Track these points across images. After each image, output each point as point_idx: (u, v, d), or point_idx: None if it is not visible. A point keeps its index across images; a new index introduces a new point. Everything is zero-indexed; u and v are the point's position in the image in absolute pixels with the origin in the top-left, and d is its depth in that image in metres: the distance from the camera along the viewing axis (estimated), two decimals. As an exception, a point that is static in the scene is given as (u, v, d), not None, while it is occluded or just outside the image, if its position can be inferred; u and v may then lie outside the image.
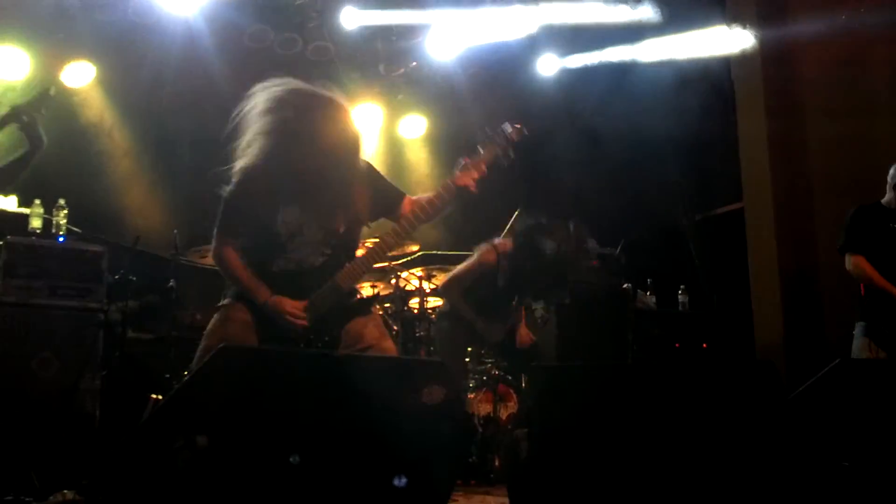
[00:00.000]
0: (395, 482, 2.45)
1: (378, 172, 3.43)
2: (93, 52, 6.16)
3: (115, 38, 6.14)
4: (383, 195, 3.36)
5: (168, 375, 4.89)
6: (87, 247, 4.92)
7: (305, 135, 3.09)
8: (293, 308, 3.10)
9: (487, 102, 7.50)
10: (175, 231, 5.50)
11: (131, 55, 6.24)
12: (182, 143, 5.99)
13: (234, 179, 3.18)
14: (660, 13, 7.20)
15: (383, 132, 7.82)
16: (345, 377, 2.55)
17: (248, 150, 3.14)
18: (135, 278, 5.09)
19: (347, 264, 3.23)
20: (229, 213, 3.19)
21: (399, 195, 3.38)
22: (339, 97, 3.22)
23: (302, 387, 2.44)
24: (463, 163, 3.27)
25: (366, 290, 5.53)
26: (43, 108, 3.57)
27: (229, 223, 3.20)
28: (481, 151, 3.29)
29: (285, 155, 3.10)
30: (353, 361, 2.84)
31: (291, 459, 2.27)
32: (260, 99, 3.15)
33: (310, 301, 3.13)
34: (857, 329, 4.79)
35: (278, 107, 3.11)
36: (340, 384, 2.51)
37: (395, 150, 7.95)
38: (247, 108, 3.17)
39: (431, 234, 5.03)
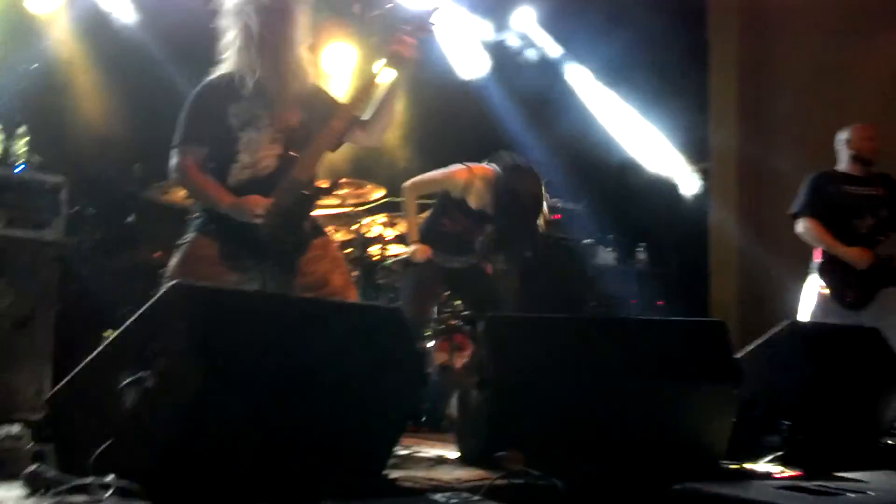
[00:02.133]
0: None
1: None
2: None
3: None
4: (330, 102, 3.43)
5: (125, 311, 4.86)
6: (47, 177, 4.83)
7: (261, 35, 3.20)
8: (253, 200, 3.13)
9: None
10: (136, 165, 5.44)
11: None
12: (147, 77, 5.87)
13: (194, 91, 3.27)
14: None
15: (356, 74, 7.67)
16: (303, 320, 2.55)
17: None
18: (94, 211, 5.03)
19: (301, 155, 3.25)
20: (188, 122, 3.23)
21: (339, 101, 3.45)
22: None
23: (259, 329, 2.41)
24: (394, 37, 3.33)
25: (334, 235, 5.49)
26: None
27: (187, 132, 3.23)
28: (403, 27, 3.35)
29: (240, 57, 3.22)
30: (312, 305, 2.84)
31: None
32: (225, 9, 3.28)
33: (271, 199, 3.15)
34: (809, 288, 4.89)
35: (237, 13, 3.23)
36: (299, 327, 2.51)
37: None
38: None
39: (397, 180, 4.98)
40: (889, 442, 3.73)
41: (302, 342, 2.47)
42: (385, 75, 3.41)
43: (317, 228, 3.38)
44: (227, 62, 3.26)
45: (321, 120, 3.31)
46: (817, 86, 6.93)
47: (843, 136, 4.98)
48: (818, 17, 7.00)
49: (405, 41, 3.30)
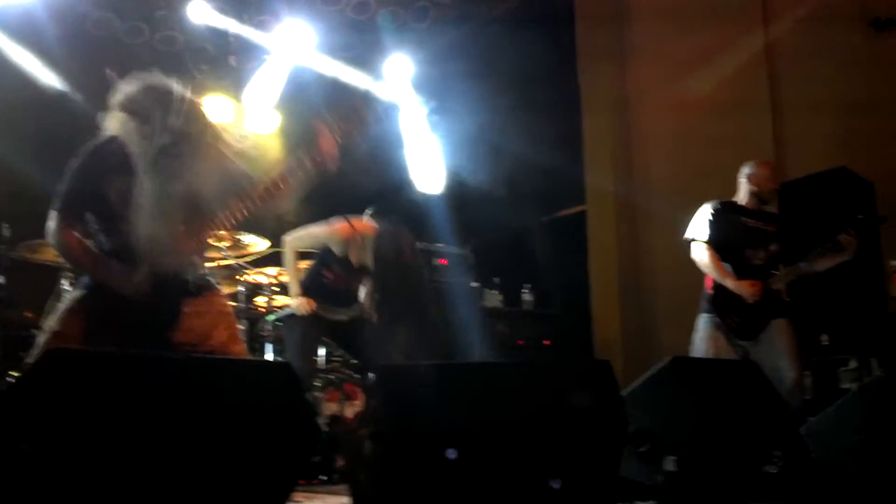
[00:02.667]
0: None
1: (229, 159, 3.40)
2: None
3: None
4: (233, 172, 3.33)
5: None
6: None
7: (154, 119, 3.12)
8: (121, 268, 3.05)
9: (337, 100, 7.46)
10: (3, 225, 5.21)
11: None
12: (14, 136, 5.67)
13: (82, 156, 3.16)
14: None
15: (234, 127, 7.61)
16: (187, 379, 2.49)
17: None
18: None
19: (190, 229, 3.18)
20: (69, 191, 3.12)
21: (250, 177, 3.33)
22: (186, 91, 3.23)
23: (142, 391, 2.34)
24: (318, 133, 3.26)
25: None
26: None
27: (68, 200, 3.12)
28: (334, 126, 3.30)
29: (129, 135, 3.14)
30: (194, 363, 2.76)
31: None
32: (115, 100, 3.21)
33: (147, 265, 3.07)
34: (702, 321, 4.89)
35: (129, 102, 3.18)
36: (181, 386, 2.44)
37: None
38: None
39: (282, 230, 4.93)
40: (770, 470, 3.85)
41: (186, 401, 2.41)
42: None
43: (202, 286, 3.27)
44: (113, 129, 3.18)
45: (220, 190, 3.25)
46: (685, 118, 7.22)
47: (745, 170, 5.09)
48: (678, 53, 7.30)
49: (328, 149, 3.25)
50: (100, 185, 3.12)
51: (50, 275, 4.96)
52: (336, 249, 4.52)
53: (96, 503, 2.14)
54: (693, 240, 4.98)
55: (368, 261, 4.51)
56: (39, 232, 3.27)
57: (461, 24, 7.71)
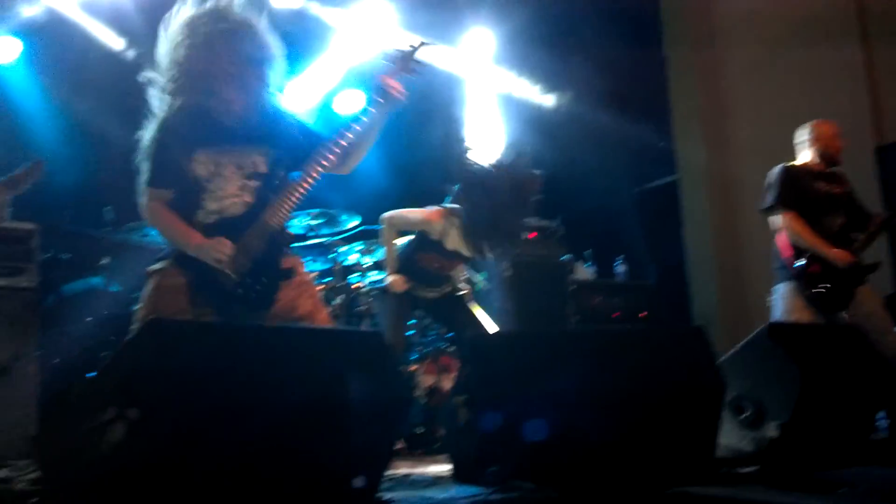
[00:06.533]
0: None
1: (303, 121, 3.41)
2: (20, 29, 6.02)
3: (42, 16, 6.01)
4: (309, 137, 3.31)
5: (104, 354, 4.82)
6: (18, 225, 4.82)
7: (215, 66, 3.08)
8: (220, 243, 3.04)
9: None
10: (106, 208, 5.41)
11: (59, 31, 6.10)
12: (111, 118, 5.87)
13: (152, 129, 3.16)
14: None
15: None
16: (279, 349, 2.54)
17: (163, 97, 3.15)
18: (68, 256, 5.00)
19: (273, 200, 3.19)
20: (154, 163, 3.14)
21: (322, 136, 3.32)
22: (251, 18, 3.19)
23: (235, 360, 2.40)
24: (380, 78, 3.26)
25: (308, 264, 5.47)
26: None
27: (156, 173, 3.15)
28: (390, 65, 3.29)
29: (196, 95, 3.11)
30: (288, 333, 2.81)
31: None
32: (172, 32, 3.16)
33: (240, 243, 3.09)
34: (784, 291, 4.70)
35: (188, 36, 3.12)
36: (274, 356, 2.49)
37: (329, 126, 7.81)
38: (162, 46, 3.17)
39: (371, 206, 4.99)
40: (877, 437, 3.74)
41: (281, 370, 2.45)
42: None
43: (288, 271, 3.26)
44: (181, 96, 3.14)
45: (294, 158, 3.26)
46: (777, 88, 7.03)
47: (806, 133, 4.93)
48: (767, 25, 7.10)
49: (392, 83, 3.24)
50: (182, 158, 3.13)
51: (152, 256, 5.12)
52: (431, 236, 4.54)
53: (196, 469, 2.19)
54: (771, 209, 4.79)
55: (463, 248, 4.52)
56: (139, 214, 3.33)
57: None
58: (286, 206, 3.18)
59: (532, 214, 4.53)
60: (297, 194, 3.19)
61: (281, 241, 3.22)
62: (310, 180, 3.21)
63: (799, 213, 4.71)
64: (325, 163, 3.20)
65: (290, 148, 3.26)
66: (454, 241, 4.52)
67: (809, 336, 3.92)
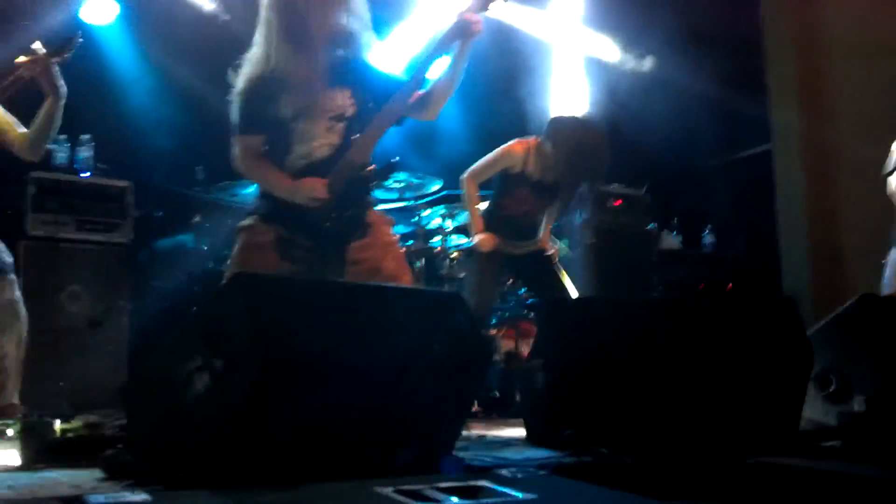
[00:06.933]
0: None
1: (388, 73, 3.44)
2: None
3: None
4: (394, 82, 3.35)
5: (193, 308, 4.96)
6: (112, 182, 4.99)
7: (308, 16, 3.14)
8: (311, 182, 3.14)
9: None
10: (199, 168, 5.54)
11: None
12: (204, 79, 5.99)
13: (241, 79, 3.23)
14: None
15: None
16: (362, 306, 2.57)
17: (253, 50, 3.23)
18: (161, 214, 5.15)
19: (358, 138, 3.24)
20: (244, 111, 3.23)
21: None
22: None
23: (319, 316, 2.43)
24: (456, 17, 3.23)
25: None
26: (66, 52, 3.61)
27: (246, 121, 3.23)
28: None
29: (285, 44, 3.16)
30: (370, 291, 2.84)
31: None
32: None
33: (328, 179, 3.16)
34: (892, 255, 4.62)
35: None
36: (357, 313, 2.52)
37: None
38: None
39: (451, 170, 4.99)
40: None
41: (364, 327, 2.49)
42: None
43: (370, 222, 3.33)
44: (269, 49, 3.20)
45: (377, 98, 3.29)
46: (877, 59, 6.75)
47: None
48: (876, 37, 6.81)
49: (471, 16, 3.21)
50: (271, 107, 3.20)
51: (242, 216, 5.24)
52: (513, 170, 4.51)
53: (276, 422, 2.24)
54: (892, 172, 4.65)
55: (549, 172, 4.50)
56: (233, 173, 3.42)
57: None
58: (369, 141, 3.23)
59: (611, 161, 4.53)
60: (380, 130, 3.24)
61: (365, 176, 3.26)
62: (393, 116, 3.26)
63: None
64: (409, 100, 3.24)
65: (376, 89, 3.30)
66: (537, 167, 4.48)
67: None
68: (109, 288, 4.80)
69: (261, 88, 3.20)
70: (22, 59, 3.52)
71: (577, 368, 2.93)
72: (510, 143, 4.54)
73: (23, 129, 3.80)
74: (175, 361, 2.35)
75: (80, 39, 3.65)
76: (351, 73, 3.28)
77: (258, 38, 3.24)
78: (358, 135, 3.24)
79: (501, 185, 4.62)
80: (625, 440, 2.65)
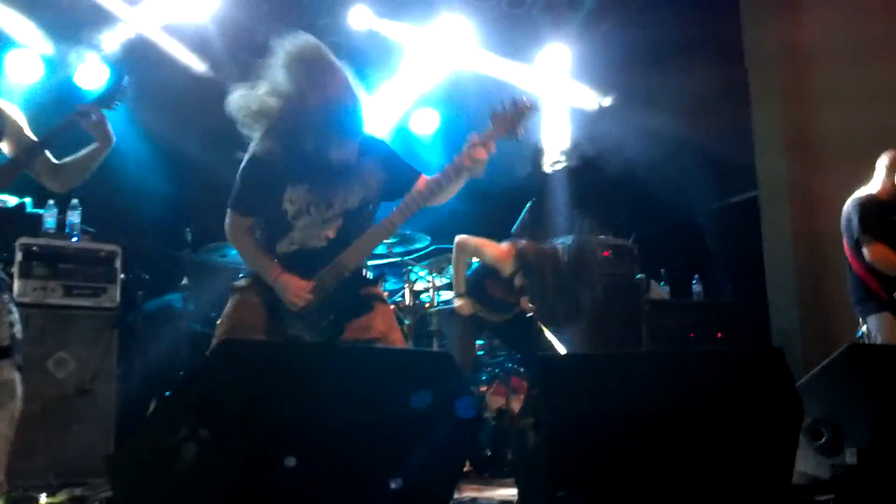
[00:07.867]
0: (392, 485, 2.45)
1: (392, 150, 3.42)
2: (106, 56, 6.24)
3: (127, 41, 6.22)
4: (397, 172, 3.34)
5: (183, 373, 4.94)
6: (101, 246, 4.99)
7: (312, 103, 3.09)
8: (298, 286, 3.12)
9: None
10: (187, 229, 5.55)
11: (143, 58, 6.30)
12: (192, 141, 6.04)
13: (246, 157, 3.23)
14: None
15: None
16: (352, 368, 2.56)
17: (258, 126, 3.18)
18: (148, 277, 5.14)
19: (354, 242, 3.23)
20: (241, 191, 3.24)
21: (414, 174, 3.33)
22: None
23: (308, 379, 2.44)
24: (471, 140, 3.21)
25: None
26: (118, 99, 3.52)
27: (240, 200, 3.25)
28: (490, 126, 3.24)
29: (291, 135, 3.13)
30: (360, 353, 2.85)
31: (287, 462, 2.24)
32: (276, 58, 3.19)
33: (316, 279, 3.15)
34: (880, 322, 4.62)
35: (292, 67, 3.14)
36: (347, 375, 2.52)
37: (407, 146, 7.86)
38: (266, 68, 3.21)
39: (439, 226, 5.02)
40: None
41: (354, 389, 2.48)
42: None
43: (358, 308, 3.30)
44: (276, 130, 3.16)
45: (383, 193, 3.31)
46: (863, 104, 6.84)
47: (887, 160, 4.81)
48: (861, 85, 6.93)
49: (482, 153, 3.18)
50: (270, 190, 3.20)
51: (233, 277, 5.25)
52: (502, 273, 4.55)
53: (267, 489, 2.22)
54: (862, 239, 4.70)
55: (529, 287, 4.53)
56: (219, 236, 3.44)
57: (619, 9, 7.55)
58: (364, 249, 3.25)
59: (600, 284, 4.47)
60: (375, 241, 3.28)
61: (355, 283, 3.27)
62: (390, 229, 3.27)
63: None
64: (405, 216, 3.24)
65: (380, 183, 3.31)
66: (522, 280, 4.53)
67: (891, 359, 3.79)
68: (97, 353, 4.77)
69: (267, 172, 3.18)
70: (80, 106, 3.46)
71: (571, 427, 2.91)
72: (505, 249, 4.56)
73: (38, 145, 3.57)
74: (162, 431, 2.33)
75: (127, 85, 3.56)
76: (358, 166, 3.25)
77: (266, 119, 3.18)
78: (355, 237, 3.23)
79: (489, 269, 4.65)
80: (619, 500, 2.62)
